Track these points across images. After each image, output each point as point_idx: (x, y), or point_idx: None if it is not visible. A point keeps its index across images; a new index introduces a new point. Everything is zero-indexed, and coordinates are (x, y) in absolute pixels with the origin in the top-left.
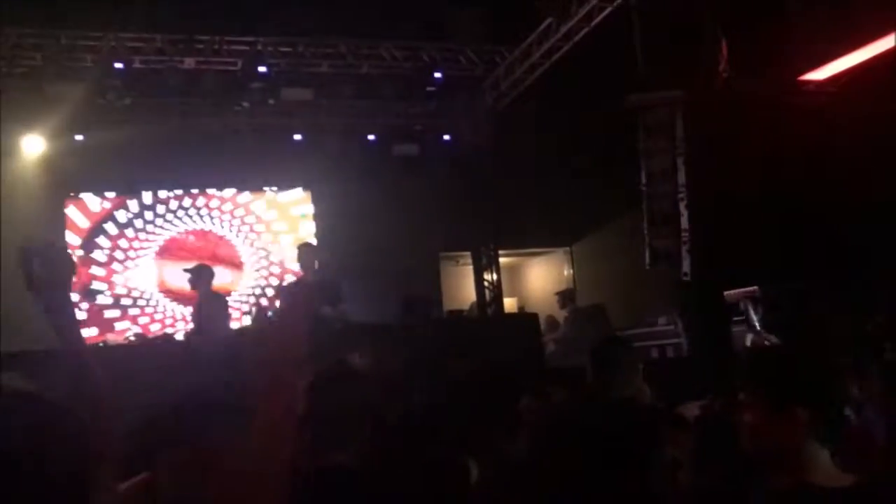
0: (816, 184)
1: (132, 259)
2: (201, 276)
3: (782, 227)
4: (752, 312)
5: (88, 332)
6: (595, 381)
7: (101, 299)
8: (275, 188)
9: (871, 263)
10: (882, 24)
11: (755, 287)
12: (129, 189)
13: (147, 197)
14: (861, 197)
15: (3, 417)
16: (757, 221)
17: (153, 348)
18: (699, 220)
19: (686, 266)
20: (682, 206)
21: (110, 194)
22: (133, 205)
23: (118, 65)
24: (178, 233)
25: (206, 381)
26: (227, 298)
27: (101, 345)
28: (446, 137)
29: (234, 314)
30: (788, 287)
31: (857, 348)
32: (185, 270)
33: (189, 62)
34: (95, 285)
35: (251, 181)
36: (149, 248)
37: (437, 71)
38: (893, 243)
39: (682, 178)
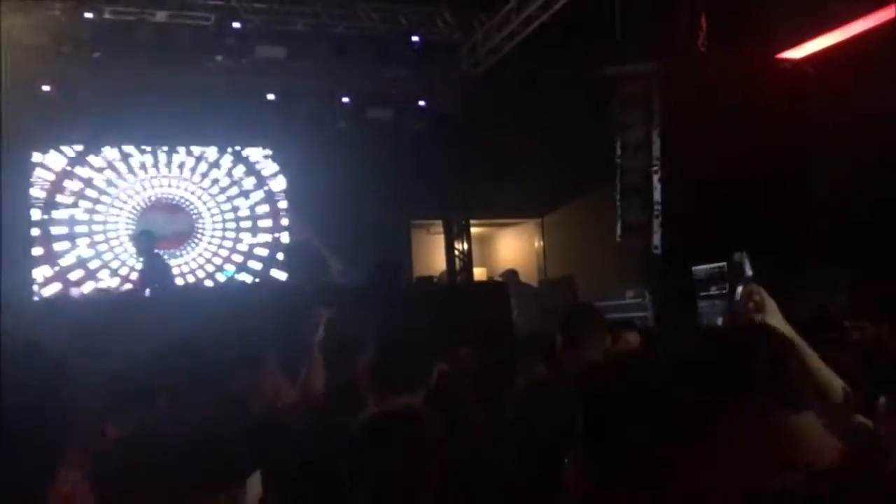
0: (789, 160)
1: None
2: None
3: (753, 203)
4: (747, 265)
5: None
6: (564, 347)
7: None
8: (244, 147)
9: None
10: (860, 5)
11: (723, 263)
12: (94, 143)
13: (112, 153)
14: (834, 175)
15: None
16: (729, 196)
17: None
18: (672, 194)
19: (657, 239)
20: (655, 179)
21: (76, 148)
22: (97, 160)
23: (88, 15)
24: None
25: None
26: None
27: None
28: (421, 103)
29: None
30: (755, 262)
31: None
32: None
33: (161, 16)
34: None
35: (221, 139)
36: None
37: (415, 34)
38: (861, 223)
39: (656, 151)
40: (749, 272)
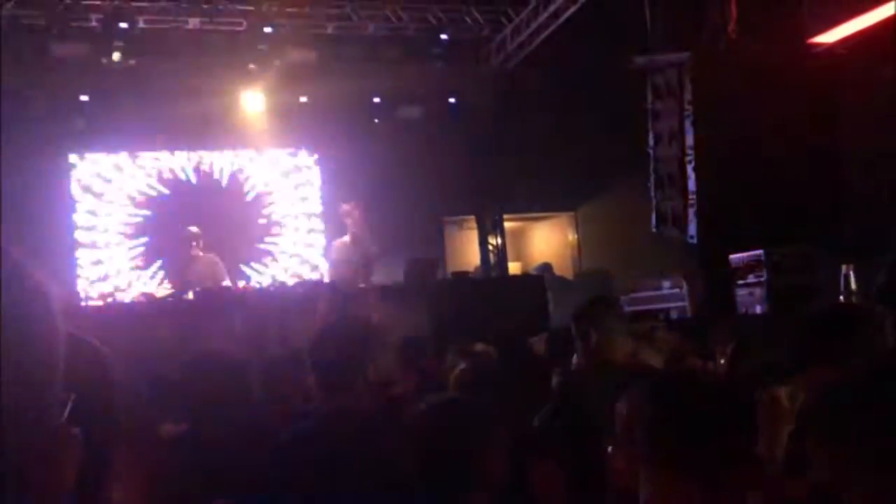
0: (823, 147)
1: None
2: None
3: (788, 190)
4: (851, 279)
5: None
6: (575, 339)
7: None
8: (280, 150)
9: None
10: None
11: (760, 251)
12: (133, 149)
13: (148, 157)
14: (868, 160)
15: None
16: (763, 184)
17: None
18: (706, 183)
19: (692, 229)
20: (689, 168)
21: (117, 154)
22: (133, 166)
23: (122, 24)
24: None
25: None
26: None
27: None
28: (452, 100)
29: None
30: (793, 251)
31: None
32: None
33: (194, 22)
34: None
35: (256, 143)
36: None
37: (443, 33)
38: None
39: (689, 140)
40: (853, 286)
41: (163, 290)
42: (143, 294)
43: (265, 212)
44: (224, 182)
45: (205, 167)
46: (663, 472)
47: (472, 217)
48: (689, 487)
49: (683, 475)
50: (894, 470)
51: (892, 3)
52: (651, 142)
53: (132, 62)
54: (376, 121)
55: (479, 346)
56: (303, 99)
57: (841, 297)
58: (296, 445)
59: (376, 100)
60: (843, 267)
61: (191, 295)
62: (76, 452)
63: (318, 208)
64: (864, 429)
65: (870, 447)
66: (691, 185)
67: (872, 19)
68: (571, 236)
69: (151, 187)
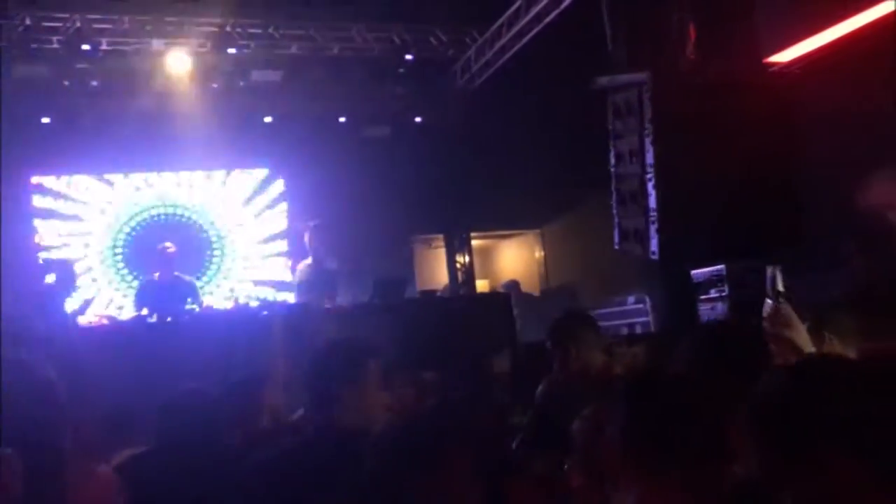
0: (782, 164)
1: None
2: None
3: (747, 206)
4: (778, 280)
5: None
6: (553, 354)
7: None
8: (244, 170)
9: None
10: (845, 7)
11: (722, 266)
12: (96, 171)
13: (116, 178)
14: (825, 176)
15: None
16: (723, 201)
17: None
18: (667, 200)
19: (654, 245)
20: (649, 185)
21: (80, 175)
22: (98, 186)
23: (85, 46)
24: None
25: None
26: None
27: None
28: (418, 119)
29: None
30: (753, 266)
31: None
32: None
33: (157, 44)
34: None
35: (220, 163)
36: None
37: (408, 53)
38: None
39: (649, 158)
40: (781, 287)
41: (126, 312)
42: (104, 317)
43: (231, 234)
44: (185, 204)
45: (161, 189)
46: (641, 475)
47: (441, 236)
48: (668, 486)
49: (661, 475)
50: (821, 474)
51: (845, 23)
52: (612, 160)
53: (94, 84)
54: (342, 141)
55: (428, 375)
56: (267, 119)
57: (767, 300)
58: (280, 463)
59: (342, 120)
60: (770, 268)
61: (154, 317)
62: (9, 473)
63: (284, 228)
64: (789, 434)
65: (794, 452)
66: (652, 202)
67: (826, 39)
68: (538, 253)
69: (110, 207)
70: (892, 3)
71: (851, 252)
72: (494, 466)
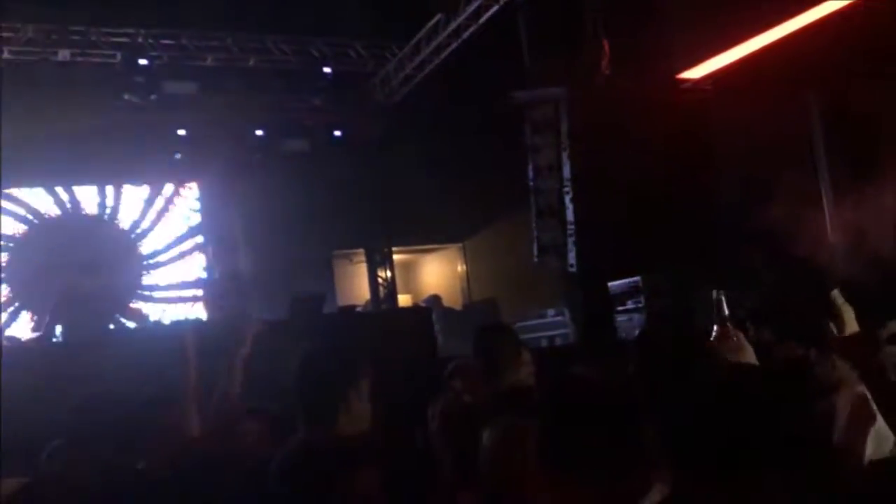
0: (696, 178)
1: None
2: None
3: (664, 219)
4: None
5: None
6: (477, 367)
7: None
8: (157, 184)
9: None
10: (752, 25)
11: (638, 278)
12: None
13: (22, 194)
14: (736, 187)
15: None
16: (639, 214)
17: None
18: (584, 213)
19: (571, 258)
20: (567, 199)
21: None
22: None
23: None
24: None
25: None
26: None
27: None
28: (337, 133)
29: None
30: (669, 277)
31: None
32: None
33: (63, 54)
34: None
35: (132, 177)
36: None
37: (326, 65)
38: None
39: (567, 172)
40: (725, 311)
41: (31, 332)
42: (8, 338)
43: (143, 249)
44: (97, 217)
45: (73, 202)
46: (557, 483)
47: (362, 250)
48: (583, 493)
49: (576, 481)
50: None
51: (753, 41)
52: (531, 174)
53: None
54: (258, 154)
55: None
56: (181, 132)
57: (714, 325)
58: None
59: (259, 133)
60: (714, 292)
61: (60, 337)
62: None
63: (199, 243)
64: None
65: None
66: (569, 215)
67: (736, 55)
68: (460, 268)
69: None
70: (801, 20)
71: (759, 266)
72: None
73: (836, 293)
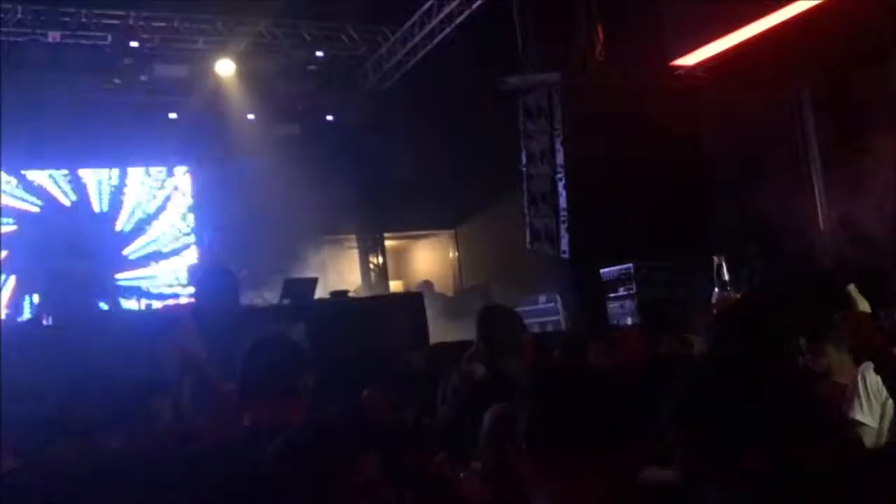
0: (688, 165)
1: None
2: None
3: (654, 205)
4: (723, 270)
5: None
6: (479, 342)
7: None
8: (149, 167)
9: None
10: (746, 13)
11: (629, 265)
12: None
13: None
14: (729, 178)
15: None
16: (631, 200)
17: None
18: (576, 200)
19: (564, 245)
20: (560, 186)
21: None
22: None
23: None
24: None
25: None
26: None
27: None
28: (329, 118)
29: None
30: (660, 264)
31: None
32: None
33: (54, 36)
34: None
35: (123, 160)
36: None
37: (318, 50)
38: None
39: (560, 158)
40: (726, 276)
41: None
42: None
43: (137, 233)
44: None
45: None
46: (548, 464)
47: (353, 236)
48: (572, 471)
49: (566, 460)
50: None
51: (746, 29)
52: (524, 161)
53: None
54: (251, 139)
55: None
56: (172, 115)
57: (715, 289)
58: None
59: (250, 117)
60: (715, 258)
61: (50, 320)
62: None
63: (191, 228)
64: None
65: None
66: (562, 202)
67: (728, 43)
68: (452, 254)
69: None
70: (793, 8)
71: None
72: (408, 468)
73: (851, 287)
